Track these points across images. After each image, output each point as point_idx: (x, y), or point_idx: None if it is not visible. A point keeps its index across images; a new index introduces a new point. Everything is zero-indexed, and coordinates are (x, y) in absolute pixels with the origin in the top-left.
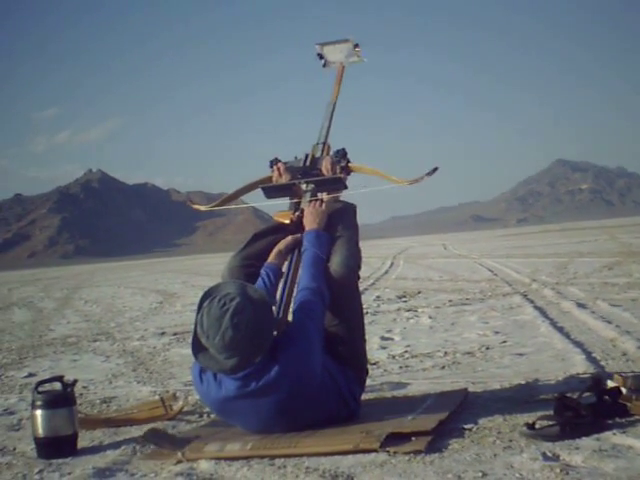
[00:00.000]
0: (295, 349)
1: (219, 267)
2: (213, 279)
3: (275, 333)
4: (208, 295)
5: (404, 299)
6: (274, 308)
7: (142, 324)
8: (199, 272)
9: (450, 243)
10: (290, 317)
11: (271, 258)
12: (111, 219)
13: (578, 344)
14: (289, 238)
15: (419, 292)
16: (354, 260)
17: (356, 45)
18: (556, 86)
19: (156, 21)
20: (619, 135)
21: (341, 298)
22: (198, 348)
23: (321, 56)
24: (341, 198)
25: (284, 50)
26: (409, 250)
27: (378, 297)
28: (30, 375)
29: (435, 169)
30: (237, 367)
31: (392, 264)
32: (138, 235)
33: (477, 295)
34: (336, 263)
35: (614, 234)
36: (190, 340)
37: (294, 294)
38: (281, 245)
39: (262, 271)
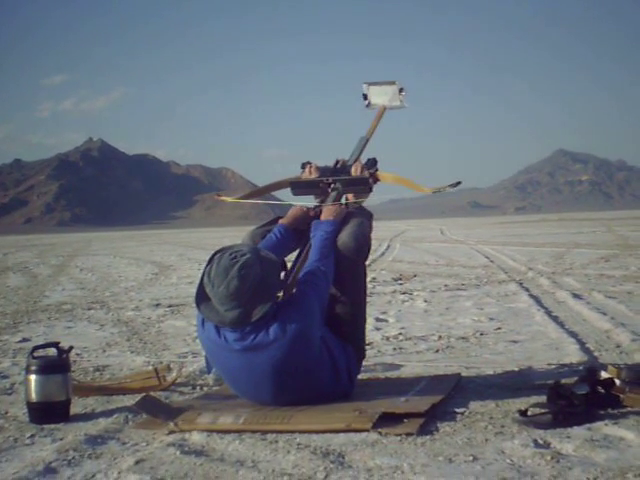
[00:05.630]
0: (296, 313)
1: (216, 241)
2: (209, 253)
3: (280, 295)
4: (220, 250)
5: (400, 282)
6: (282, 274)
7: (137, 294)
8: (196, 245)
9: (447, 228)
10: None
11: (283, 220)
12: (109, 188)
13: (572, 334)
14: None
15: (415, 275)
16: (363, 238)
17: (401, 89)
18: (561, 76)
19: None
20: (621, 128)
21: (347, 276)
22: (201, 298)
23: (366, 97)
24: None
25: (295, 33)
26: (406, 233)
27: (374, 278)
28: (24, 340)
29: (458, 182)
30: (236, 320)
31: (389, 246)
32: (136, 206)
33: (473, 281)
34: (346, 234)
35: (612, 226)
36: (195, 291)
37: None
38: (297, 211)
39: (274, 229)
